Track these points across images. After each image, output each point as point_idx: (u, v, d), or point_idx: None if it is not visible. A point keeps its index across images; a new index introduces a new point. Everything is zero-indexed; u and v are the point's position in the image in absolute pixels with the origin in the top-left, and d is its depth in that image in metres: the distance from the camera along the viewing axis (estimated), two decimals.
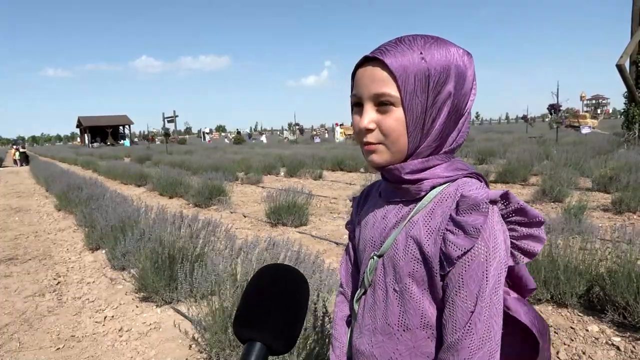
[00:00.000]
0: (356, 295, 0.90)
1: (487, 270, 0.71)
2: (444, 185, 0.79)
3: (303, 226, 6.47)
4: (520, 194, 8.06)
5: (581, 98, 49.47)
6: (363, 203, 0.97)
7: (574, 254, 3.33)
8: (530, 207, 0.76)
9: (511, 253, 0.78)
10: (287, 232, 6.04)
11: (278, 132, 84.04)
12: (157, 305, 3.80)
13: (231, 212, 7.82)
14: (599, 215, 6.10)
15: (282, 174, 13.67)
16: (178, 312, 3.62)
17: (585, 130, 20.88)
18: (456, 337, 0.72)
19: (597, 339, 2.88)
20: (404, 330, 0.80)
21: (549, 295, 3.33)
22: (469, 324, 0.71)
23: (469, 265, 0.71)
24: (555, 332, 3.01)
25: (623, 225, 3.91)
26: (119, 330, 3.44)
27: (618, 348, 2.74)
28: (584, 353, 2.73)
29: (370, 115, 0.77)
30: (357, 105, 0.80)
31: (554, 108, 18.32)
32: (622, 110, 15.19)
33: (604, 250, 3.30)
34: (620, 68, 13.53)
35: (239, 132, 52.24)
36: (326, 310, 2.21)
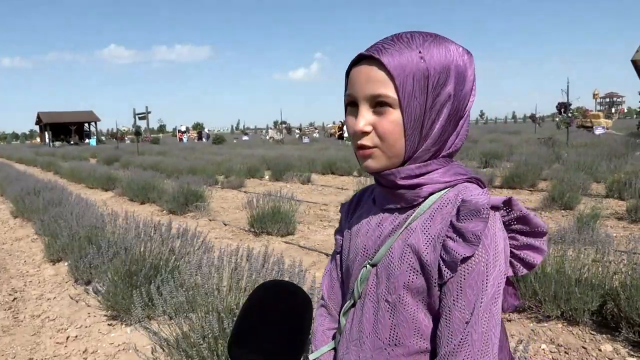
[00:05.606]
0: (344, 308, 0.91)
1: (486, 279, 0.73)
2: (443, 191, 0.81)
3: (290, 235, 6.47)
4: (529, 200, 8.15)
5: (594, 96, 50.13)
6: (354, 210, 0.98)
7: (586, 266, 3.37)
8: (534, 215, 0.78)
9: (510, 263, 0.81)
10: (272, 242, 6.03)
11: (263, 131, 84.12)
12: (126, 325, 3.76)
13: (210, 220, 7.78)
14: (613, 224, 6.20)
15: (267, 177, 13.66)
16: (149, 330, 3.59)
17: (598, 131, 21.22)
18: (451, 347, 0.73)
19: (610, 359, 2.91)
20: (395, 345, 0.81)
21: (559, 312, 3.36)
22: (465, 334, 0.72)
23: (468, 274, 0.73)
24: (565, 352, 3.04)
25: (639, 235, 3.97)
26: (84, 352, 3.40)
27: None
28: None
29: (366, 117, 0.79)
30: (352, 105, 0.82)
31: (563, 107, 18.57)
32: (638, 109, 15.45)
33: (618, 263, 3.35)
34: (635, 64, 13.80)
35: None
36: None
